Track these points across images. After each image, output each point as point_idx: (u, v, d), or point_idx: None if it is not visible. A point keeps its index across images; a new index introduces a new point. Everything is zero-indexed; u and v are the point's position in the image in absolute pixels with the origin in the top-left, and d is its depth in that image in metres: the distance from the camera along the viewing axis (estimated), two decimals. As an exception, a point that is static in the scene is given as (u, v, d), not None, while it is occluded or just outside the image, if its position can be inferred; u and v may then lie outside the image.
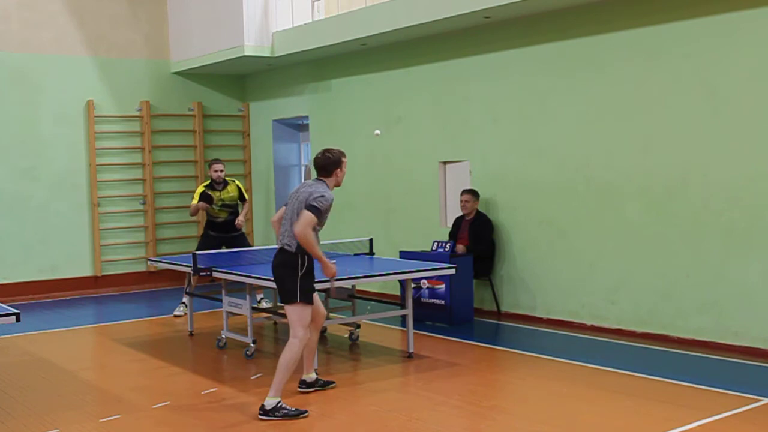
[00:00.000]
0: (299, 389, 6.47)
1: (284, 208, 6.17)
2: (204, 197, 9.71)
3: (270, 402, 5.86)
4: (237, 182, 10.09)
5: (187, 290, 9.00)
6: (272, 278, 6.17)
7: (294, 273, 5.89)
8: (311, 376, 6.54)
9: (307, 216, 5.76)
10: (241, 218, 9.88)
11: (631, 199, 8.30)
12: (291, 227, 5.90)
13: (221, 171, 9.82)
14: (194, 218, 13.15)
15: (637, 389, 6.44)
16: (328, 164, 6.06)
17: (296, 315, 5.93)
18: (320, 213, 5.82)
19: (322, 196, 5.85)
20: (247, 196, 10.10)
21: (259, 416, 5.87)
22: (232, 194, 9.90)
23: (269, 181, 13.30)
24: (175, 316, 9.97)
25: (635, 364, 7.16)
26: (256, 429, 5.80)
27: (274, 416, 5.84)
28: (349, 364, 7.46)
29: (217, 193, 9.81)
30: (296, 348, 5.91)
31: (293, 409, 5.91)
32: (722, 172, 7.56)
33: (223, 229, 9.97)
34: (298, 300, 5.91)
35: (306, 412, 5.92)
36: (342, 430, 5.83)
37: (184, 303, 9.78)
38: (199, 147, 13.16)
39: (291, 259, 5.90)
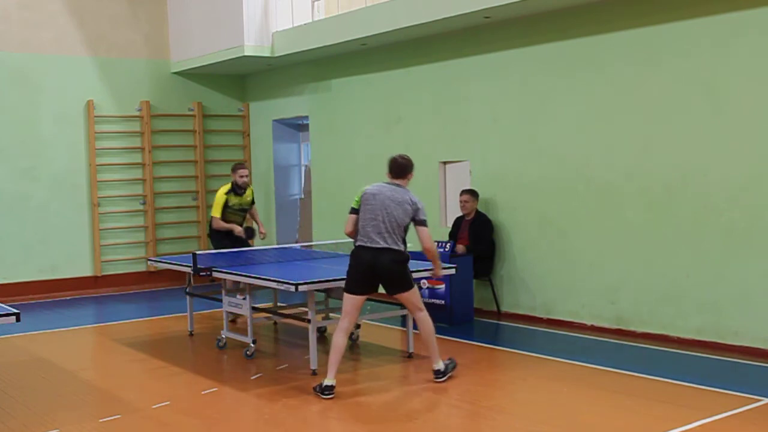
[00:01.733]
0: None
1: (355, 216, 6.59)
2: (248, 232, 9.66)
3: (439, 364, 6.73)
4: (251, 185, 10.08)
5: (188, 290, 8.99)
6: (382, 274, 6.58)
7: (406, 266, 6.68)
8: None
9: (427, 231, 6.62)
10: (263, 230, 10.00)
11: (631, 199, 8.30)
12: (394, 233, 6.52)
13: (246, 176, 9.74)
14: (193, 218, 13.20)
15: (637, 389, 6.43)
16: (408, 166, 6.71)
17: (416, 296, 6.81)
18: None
19: (422, 206, 6.65)
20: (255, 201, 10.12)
21: (436, 380, 6.68)
22: (248, 198, 9.82)
23: (269, 181, 13.30)
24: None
25: (635, 364, 7.16)
26: (256, 429, 5.81)
27: (445, 376, 6.72)
28: (349, 364, 7.45)
29: (239, 198, 9.72)
30: (429, 317, 6.80)
31: (451, 365, 6.88)
32: (722, 172, 7.55)
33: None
34: (413, 285, 6.77)
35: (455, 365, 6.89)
36: (342, 430, 5.83)
37: None
38: (199, 147, 13.16)
39: (402, 256, 6.62)
